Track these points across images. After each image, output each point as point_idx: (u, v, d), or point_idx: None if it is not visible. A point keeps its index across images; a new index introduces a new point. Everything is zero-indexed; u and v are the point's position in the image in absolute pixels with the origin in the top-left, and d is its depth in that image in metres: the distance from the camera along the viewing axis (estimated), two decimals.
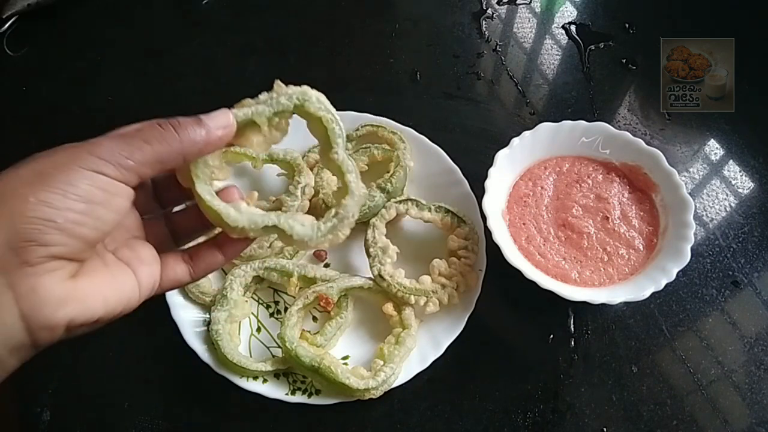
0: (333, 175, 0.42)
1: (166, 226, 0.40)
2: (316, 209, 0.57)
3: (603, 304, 0.54)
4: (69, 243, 0.30)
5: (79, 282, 0.31)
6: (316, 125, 0.40)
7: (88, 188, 0.31)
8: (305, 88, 0.39)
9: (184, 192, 0.39)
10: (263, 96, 0.39)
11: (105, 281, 0.33)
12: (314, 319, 0.54)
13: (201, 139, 0.35)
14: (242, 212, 0.38)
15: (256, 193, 0.54)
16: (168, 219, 0.40)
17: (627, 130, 0.56)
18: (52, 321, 0.30)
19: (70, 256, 0.31)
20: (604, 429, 0.50)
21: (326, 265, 0.57)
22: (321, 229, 0.39)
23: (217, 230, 0.40)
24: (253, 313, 0.54)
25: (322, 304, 0.52)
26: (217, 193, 0.38)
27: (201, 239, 0.41)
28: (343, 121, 0.61)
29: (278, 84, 0.40)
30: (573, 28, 0.76)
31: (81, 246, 0.31)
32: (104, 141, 0.33)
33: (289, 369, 0.51)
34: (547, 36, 0.76)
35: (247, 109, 0.39)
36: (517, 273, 0.49)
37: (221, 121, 0.36)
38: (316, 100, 0.39)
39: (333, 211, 0.40)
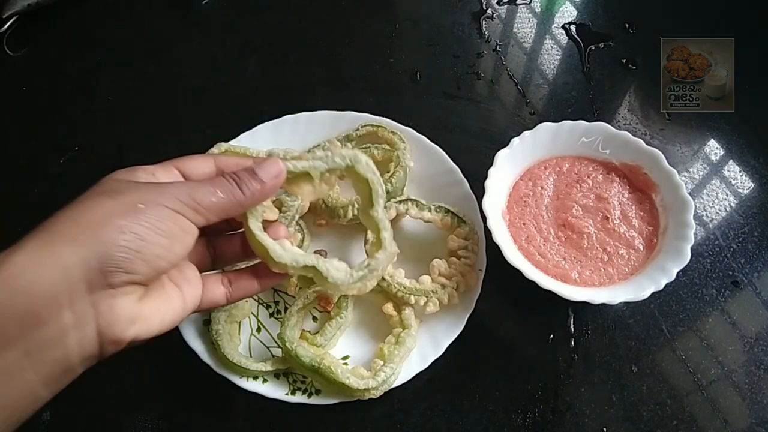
0: (370, 230, 0.47)
1: (208, 250, 0.44)
2: (316, 209, 0.57)
3: (603, 304, 0.54)
4: (147, 272, 0.34)
5: (145, 304, 0.35)
6: (362, 184, 0.44)
7: (171, 226, 0.35)
8: (357, 152, 0.44)
9: (228, 223, 0.43)
10: (319, 153, 0.44)
11: (162, 302, 0.37)
12: (314, 319, 0.54)
13: (258, 192, 0.39)
14: (287, 250, 0.42)
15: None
16: (209, 243, 0.44)
17: (627, 130, 0.56)
18: (121, 337, 0.34)
19: (144, 282, 0.34)
20: (604, 429, 0.50)
21: None
22: (353, 277, 0.44)
23: (256, 260, 0.44)
24: (253, 313, 0.54)
25: (322, 304, 0.52)
26: (265, 228, 0.42)
27: (240, 266, 0.45)
28: (342, 121, 0.62)
29: (334, 144, 0.46)
30: (573, 28, 0.76)
31: (155, 275, 0.35)
32: (181, 185, 0.37)
33: (289, 369, 0.51)
34: (547, 36, 0.76)
35: (305, 162, 0.43)
36: (517, 273, 0.49)
37: (273, 172, 0.40)
38: (365, 163, 0.44)
39: (366, 261, 0.44)
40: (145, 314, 0.35)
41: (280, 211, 0.55)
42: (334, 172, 0.44)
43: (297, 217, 0.56)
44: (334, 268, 0.43)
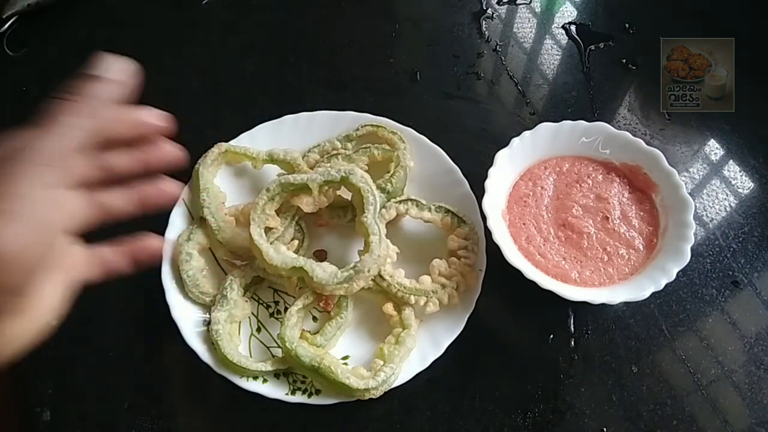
0: (362, 235, 0.51)
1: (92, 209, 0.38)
2: (317, 210, 0.57)
3: (603, 304, 0.54)
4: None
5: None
6: (356, 194, 0.51)
7: (53, 220, 0.29)
8: (353, 165, 0.54)
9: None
10: (321, 168, 0.53)
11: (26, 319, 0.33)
12: (314, 319, 0.54)
13: (114, 89, 0.34)
14: (279, 253, 0.49)
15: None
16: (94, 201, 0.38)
17: (627, 130, 0.57)
18: None
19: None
20: (604, 429, 0.50)
21: None
22: (338, 277, 0.49)
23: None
24: (253, 313, 0.54)
25: (322, 304, 0.52)
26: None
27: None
28: (343, 121, 0.62)
29: (333, 163, 0.55)
30: (573, 28, 0.76)
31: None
32: (41, 142, 0.31)
33: (289, 369, 0.51)
34: (547, 36, 0.76)
35: (304, 175, 0.51)
36: (517, 273, 0.49)
37: (118, 65, 0.36)
38: (360, 176, 0.51)
39: (353, 263, 0.49)
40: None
41: (280, 213, 0.55)
42: (331, 185, 0.51)
43: (297, 217, 0.56)
44: (321, 269, 0.49)
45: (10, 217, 0.27)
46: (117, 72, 0.35)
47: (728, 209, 0.62)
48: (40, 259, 0.29)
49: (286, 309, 0.53)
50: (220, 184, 0.59)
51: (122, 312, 0.55)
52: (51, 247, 0.30)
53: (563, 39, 0.75)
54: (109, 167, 0.37)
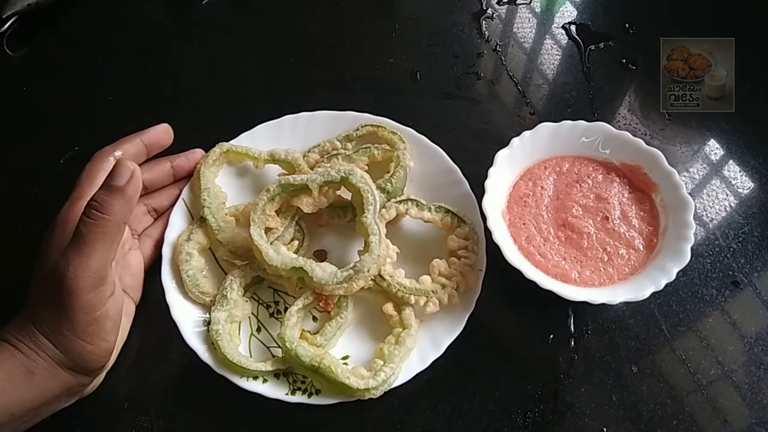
0: (362, 235, 0.52)
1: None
2: (317, 210, 0.57)
3: (603, 304, 0.55)
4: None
5: None
6: (356, 194, 0.52)
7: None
8: (353, 166, 0.54)
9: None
10: (321, 169, 0.53)
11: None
12: (314, 319, 0.54)
13: (124, 202, 0.42)
14: (279, 254, 0.50)
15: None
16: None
17: (627, 130, 0.57)
18: None
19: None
20: (604, 429, 0.50)
21: None
22: (338, 277, 0.49)
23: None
24: (253, 313, 0.54)
25: (322, 304, 0.52)
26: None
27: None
28: (343, 121, 0.63)
29: (333, 164, 0.56)
30: (573, 28, 0.76)
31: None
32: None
33: (289, 369, 0.51)
34: (547, 36, 0.76)
35: (304, 175, 0.52)
36: (517, 273, 0.49)
37: (125, 174, 0.42)
38: (360, 176, 0.51)
39: (353, 263, 0.49)
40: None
41: (280, 213, 0.55)
42: (331, 185, 0.52)
43: (297, 218, 0.56)
44: (320, 269, 0.49)
45: (113, 288, 0.42)
46: (124, 179, 0.42)
47: (728, 209, 0.62)
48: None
49: (286, 309, 0.53)
50: (220, 184, 0.59)
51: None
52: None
53: (563, 39, 0.75)
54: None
